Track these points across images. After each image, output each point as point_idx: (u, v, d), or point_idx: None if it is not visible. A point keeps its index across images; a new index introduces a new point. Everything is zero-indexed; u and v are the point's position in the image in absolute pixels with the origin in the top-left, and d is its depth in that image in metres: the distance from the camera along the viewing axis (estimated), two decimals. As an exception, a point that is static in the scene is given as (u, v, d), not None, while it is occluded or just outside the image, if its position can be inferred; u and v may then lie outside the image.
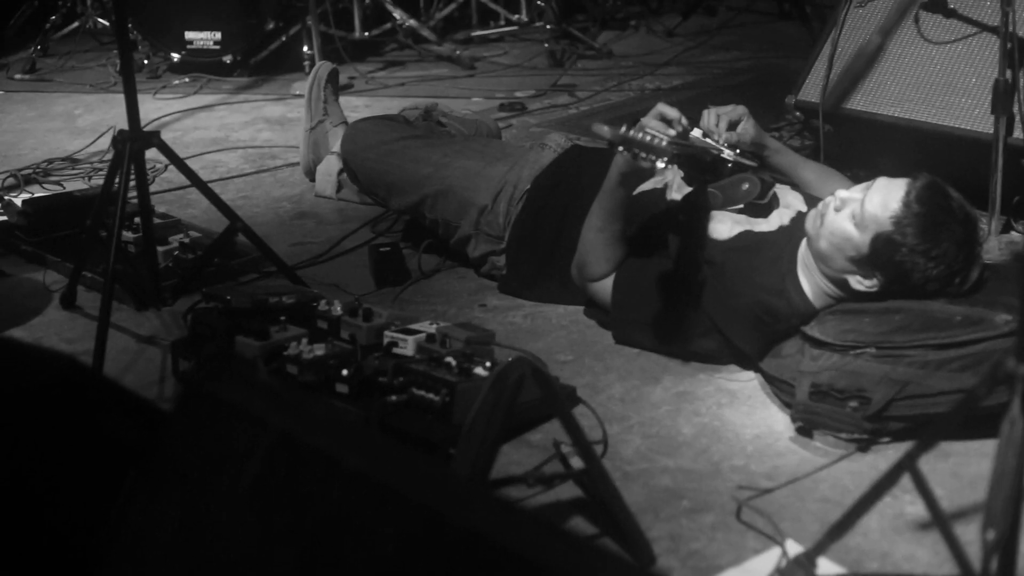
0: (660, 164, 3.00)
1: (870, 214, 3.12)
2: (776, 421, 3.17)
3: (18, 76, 6.95)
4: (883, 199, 3.13)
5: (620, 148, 3.03)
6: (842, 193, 3.22)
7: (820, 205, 3.28)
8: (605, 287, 3.53)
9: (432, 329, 3.32)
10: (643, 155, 3.00)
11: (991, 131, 3.55)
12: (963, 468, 2.89)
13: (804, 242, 3.34)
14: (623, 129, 3.03)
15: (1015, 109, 3.58)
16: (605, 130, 3.01)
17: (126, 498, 2.06)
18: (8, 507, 2.14)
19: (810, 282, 3.31)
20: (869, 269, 3.17)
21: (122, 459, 2.15)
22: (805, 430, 3.07)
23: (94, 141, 5.61)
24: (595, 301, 3.62)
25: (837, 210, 3.20)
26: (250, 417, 1.97)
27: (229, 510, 1.93)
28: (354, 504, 1.77)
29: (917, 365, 2.97)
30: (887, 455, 2.96)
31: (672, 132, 3.21)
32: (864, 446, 3.00)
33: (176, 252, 4.16)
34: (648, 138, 2.99)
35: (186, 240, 4.23)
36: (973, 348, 2.97)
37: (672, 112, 3.34)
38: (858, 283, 3.20)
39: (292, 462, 1.89)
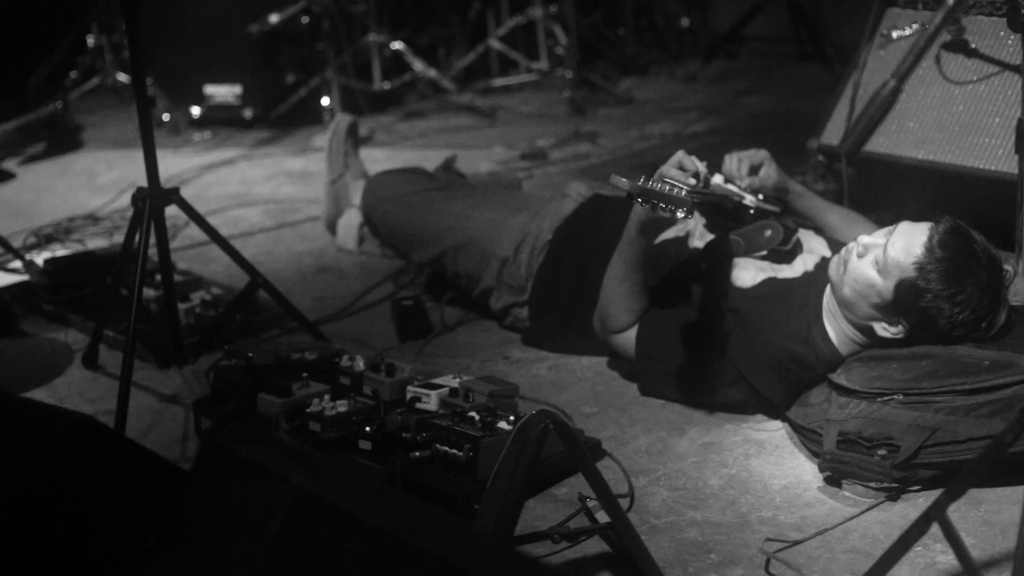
0: (680, 214, 2.96)
1: (893, 260, 3.09)
2: (804, 471, 3.13)
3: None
4: (906, 244, 3.10)
5: (639, 199, 3.00)
6: (864, 239, 3.19)
7: (843, 251, 3.25)
8: (628, 339, 3.50)
9: (455, 383, 3.31)
10: (662, 206, 2.96)
11: (1015, 171, 3.52)
12: (994, 516, 2.85)
13: (828, 288, 3.31)
14: (641, 180, 3.00)
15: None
16: (623, 182, 2.98)
17: (148, 558, 2.05)
18: (33, 568, 2.13)
19: (835, 329, 3.28)
20: (894, 316, 3.14)
21: (144, 519, 2.14)
22: (834, 479, 3.03)
23: (115, 198, 5.63)
24: (618, 353, 3.59)
25: (860, 256, 3.17)
26: (270, 475, 1.96)
27: (250, 569, 1.91)
28: (376, 561, 1.75)
29: (945, 411, 2.93)
30: (917, 504, 2.93)
31: (692, 181, 3.18)
32: (894, 495, 2.96)
33: (197, 309, 4.16)
34: (667, 188, 2.96)
35: (207, 297, 4.23)
36: (1002, 393, 2.94)
37: (691, 160, 3.30)
38: (883, 330, 3.17)
39: (313, 520, 1.87)
